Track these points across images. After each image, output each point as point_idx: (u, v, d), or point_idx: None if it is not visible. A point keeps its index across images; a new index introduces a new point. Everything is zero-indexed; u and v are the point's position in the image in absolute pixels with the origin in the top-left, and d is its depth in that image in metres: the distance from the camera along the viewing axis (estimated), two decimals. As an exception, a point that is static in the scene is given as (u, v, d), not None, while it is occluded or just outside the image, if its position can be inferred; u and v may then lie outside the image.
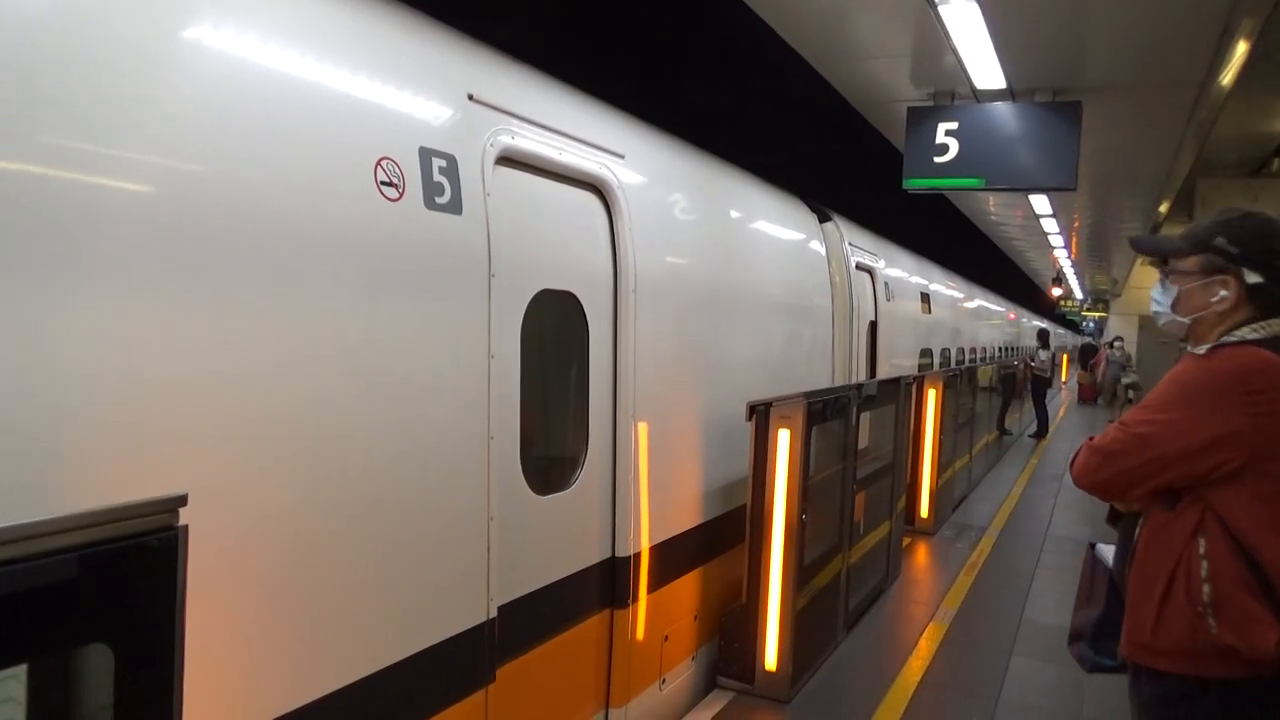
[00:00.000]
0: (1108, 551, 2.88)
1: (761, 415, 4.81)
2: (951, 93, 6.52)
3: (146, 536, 1.45)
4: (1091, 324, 43.94)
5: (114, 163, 1.99)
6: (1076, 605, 2.83)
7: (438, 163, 2.89)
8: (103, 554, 1.39)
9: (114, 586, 1.42)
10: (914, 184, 6.53)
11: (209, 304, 2.17)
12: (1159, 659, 2.36)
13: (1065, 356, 33.64)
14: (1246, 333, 2.36)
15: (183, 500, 1.49)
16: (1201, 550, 2.27)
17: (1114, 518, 2.71)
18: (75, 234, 1.89)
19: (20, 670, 1.40)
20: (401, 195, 2.73)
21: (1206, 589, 2.25)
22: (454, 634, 2.98)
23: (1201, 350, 2.40)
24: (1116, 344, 22.73)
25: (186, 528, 1.50)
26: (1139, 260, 20.65)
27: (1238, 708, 2.28)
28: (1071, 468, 2.59)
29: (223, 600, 2.22)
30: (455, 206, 2.95)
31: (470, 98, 3.14)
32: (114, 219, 1.97)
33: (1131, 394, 17.43)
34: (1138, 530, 2.49)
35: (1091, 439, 2.55)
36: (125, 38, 2.05)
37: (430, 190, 2.85)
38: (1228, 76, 6.26)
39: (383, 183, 2.66)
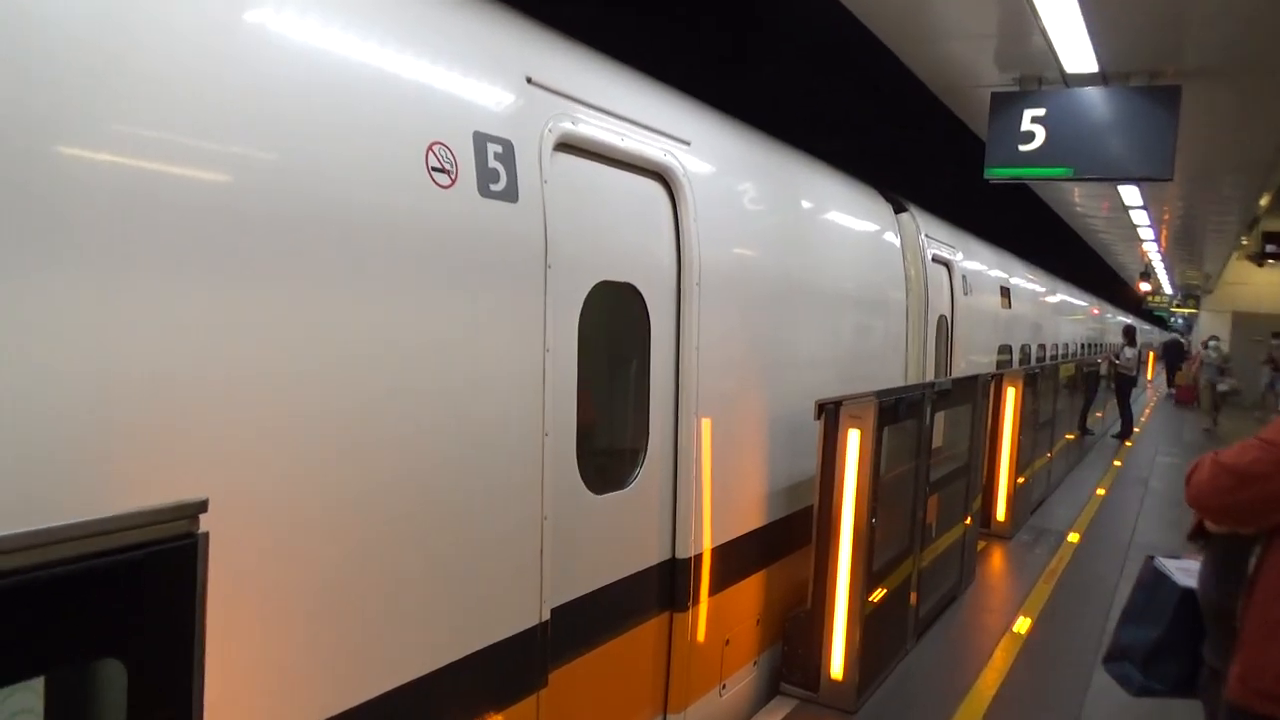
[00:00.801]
0: (1171, 566, 2.66)
1: (831, 414, 4.62)
2: (1039, 77, 6.18)
3: (164, 544, 1.36)
4: (1180, 320, 42.23)
5: (160, 148, 1.91)
6: (1124, 621, 2.61)
7: (493, 148, 2.78)
8: (116, 564, 1.30)
9: (128, 598, 1.33)
10: (997, 174, 6.21)
11: (250, 298, 2.08)
12: (1275, 706, 2.13)
13: (1151, 354, 32.37)
14: None
15: (203, 506, 1.40)
16: None
17: (1200, 535, 2.47)
18: (116, 221, 1.83)
19: (35, 683, 1.33)
20: (454, 182, 2.62)
21: None
22: (504, 637, 2.89)
23: None
24: (1211, 343, 20.37)
25: (207, 535, 1.41)
26: (1235, 255, 19.71)
27: None
28: (1189, 484, 2.36)
29: (273, 602, 2.16)
30: (511, 194, 2.84)
31: (528, 81, 3.02)
32: (154, 208, 1.90)
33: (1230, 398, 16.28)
34: (1253, 560, 2.25)
35: (1218, 454, 2.31)
36: (174, 22, 1.97)
37: (485, 177, 2.74)
38: (1343, 59, 5.81)
39: (434, 169, 2.55)
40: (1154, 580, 2.61)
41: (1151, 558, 2.66)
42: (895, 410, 4.86)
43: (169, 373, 1.92)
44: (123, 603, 1.33)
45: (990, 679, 5.16)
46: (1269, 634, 2.17)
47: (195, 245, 1.97)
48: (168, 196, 1.91)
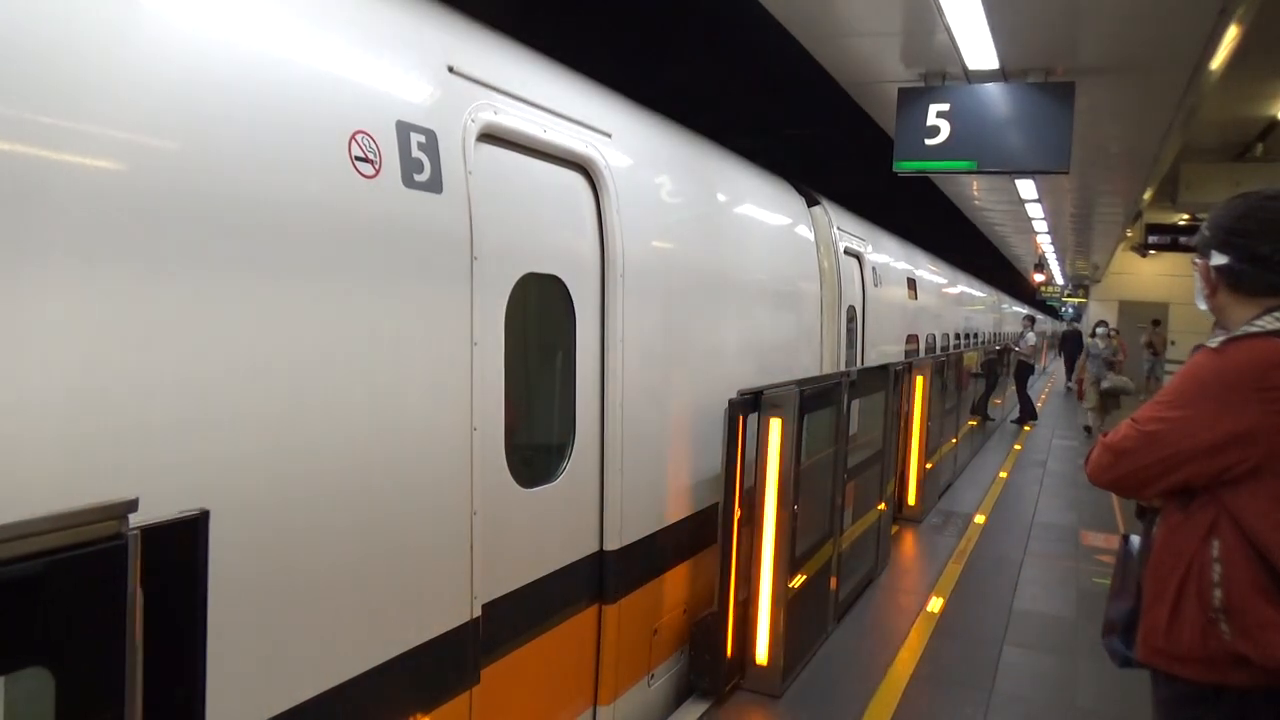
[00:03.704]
0: (1138, 542, 2.79)
1: (752, 404, 4.68)
2: (943, 73, 6.40)
3: (91, 547, 1.29)
4: (1071, 309, 44.25)
5: (58, 136, 1.81)
6: (1109, 597, 2.74)
7: (416, 138, 2.72)
8: (41, 567, 1.23)
9: (55, 604, 1.26)
10: (904, 167, 6.40)
11: (166, 294, 1.99)
12: (1173, 663, 2.28)
13: (1045, 343, 33.78)
14: (1268, 322, 2.24)
15: (133, 505, 1.34)
16: (1215, 553, 2.19)
17: (1141, 511, 2.62)
18: (17, 216, 1.73)
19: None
20: (378, 172, 2.56)
21: (1218, 593, 2.17)
22: (436, 635, 2.84)
23: (1214, 343, 2.29)
24: (1100, 330, 16.35)
25: (138, 536, 1.34)
26: (1121, 246, 20.71)
27: (1253, 717, 2.20)
28: (1087, 465, 2.52)
29: None
30: (435, 185, 2.79)
31: (450, 70, 2.97)
32: (55, 200, 1.80)
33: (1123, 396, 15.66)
34: (1155, 528, 2.40)
35: (1105, 435, 2.47)
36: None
37: (409, 167, 2.68)
38: (1218, 60, 6.17)
39: (358, 158, 2.49)
40: (1125, 557, 2.73)
41: (1126, 537, 2.78)
42: (815, 400, 4.96)
43: (59, 378, 1.80)
44: (49, 609, 1.26)
45: (907, 658, 5.32)
46: (1158, 594, 2.31)
47: (97, 242, 1.85)
48: (46, 186, 1.78)
